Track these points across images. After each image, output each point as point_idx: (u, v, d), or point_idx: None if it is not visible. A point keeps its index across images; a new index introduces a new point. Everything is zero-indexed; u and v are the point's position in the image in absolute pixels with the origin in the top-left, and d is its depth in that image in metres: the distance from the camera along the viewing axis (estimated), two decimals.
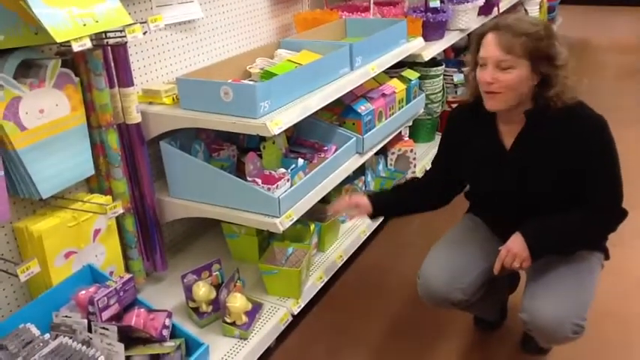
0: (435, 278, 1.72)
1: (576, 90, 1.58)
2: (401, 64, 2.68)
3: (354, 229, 2.44)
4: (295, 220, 1.90)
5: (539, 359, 1.94)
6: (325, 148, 2.23)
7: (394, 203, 1.92)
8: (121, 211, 1.75)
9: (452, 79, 3.26)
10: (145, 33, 1.80)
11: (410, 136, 2.93)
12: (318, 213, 2.23)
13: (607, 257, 1.77)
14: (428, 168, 2.12)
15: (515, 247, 1.58)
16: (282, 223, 1.84)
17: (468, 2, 3.18)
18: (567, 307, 1.56)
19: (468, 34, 3.39)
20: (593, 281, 1.66)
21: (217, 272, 1.94)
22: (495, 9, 3.70)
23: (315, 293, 2.12)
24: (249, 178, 1.91)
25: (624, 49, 5.83)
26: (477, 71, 1.61)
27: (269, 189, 1.85)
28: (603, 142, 1.59)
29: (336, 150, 2.21)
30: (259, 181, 1.89)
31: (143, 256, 1.98)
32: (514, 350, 1.98)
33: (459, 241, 1.82)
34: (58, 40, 1.42)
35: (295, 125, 2.03)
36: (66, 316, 1.53)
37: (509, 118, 1.66)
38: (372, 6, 2.83)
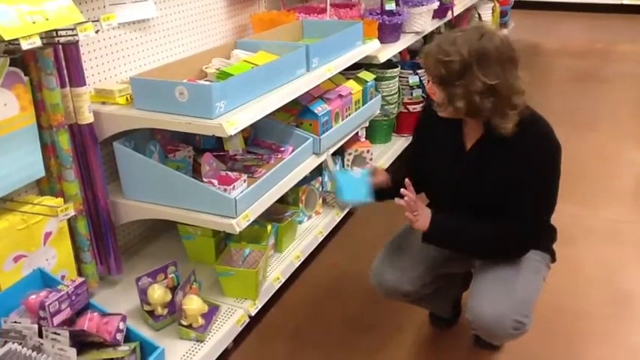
0: (385, 271, 1.82)
1: (521, 104, 1.57)
2: (357, 66, 2.71)
3: (312, 229, 2.45)
4: (252, 220, 1.90)
5: (492, 354, 1.99)
6: (282, 148, 2.23)
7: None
8: (72, 213, 1.71)
9: (407, 81, 3.30)
10: (97, 32, 1.77)
11: (367, 137, 2.95)
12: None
13: (554, 259, 1.82)
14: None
15: (422, 218, 1.66)
16: (238, 224, 1.83)
17: (422, 5, 3.23)
18: (507, 304, 1.62)
19: (424, 37, 3.45)
20: (537, 281, 1.72)
21: (173, 274, 1.92)
22: (450, 12, 3.77)
23: (272, 294, 2.12)
24: (205, 179, 1.90)
25: (575, 54, 6.02)
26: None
27: (225, 190, 1.84)
28: (544, 158, 1.61)
29: (293, 151, 2.21)
30: (215, 181, 1.88)
31: (96, 260, 1.94)
32: (468, 346, 2.02)
33: (410, 238, 1.86)
34: (6, 38, 1.38)
35: (252, 126, 2.03)
36: (15, 322, 1.49)
37: (470, 124, 1.69)
38: (328, 8, 2.85)
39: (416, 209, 1.66)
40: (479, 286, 1.71)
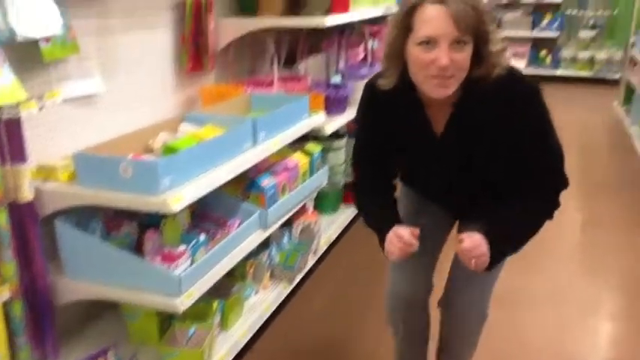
0: (399, 281, 1.82)
1: (504, 60, 1.49)
2: (305, 138, 2.76)
3: (260, 304, 2.42)
4: (197, 298, 1.86)
5: None
6: (229, 222, 2.22)
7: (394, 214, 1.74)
8: (7, 296, 1.65)
9: None
10: (41, 108, 1.76)
11: (315, 208, 2.98)
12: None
13: None
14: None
15: (480, 252, 1.49)
16: (182, 303, 1.79)
17: (365, 78, 3.34)
18: (481, 298, 1.78)
19: None
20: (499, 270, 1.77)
21: (113, 358, 1.85)
22: None
23: None
24: (147, 257, 1.86)
25: None
26: (417, 51, 1.42)
27: (168, 267, 1.81)
28: (535, 111, 1.51)
29: (240, 224, 2.21)
30: (158, 259, 1.85)
31: (32, 344, 1.85)
32: None
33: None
34: None
35: (199, 199, 2.02)
36: None
37: (437, 103, 1.52)
38: (275, 81, 2.92)
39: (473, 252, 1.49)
40: (459, 282, 1.79)
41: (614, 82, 7.14)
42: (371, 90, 1.65)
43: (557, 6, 7.96)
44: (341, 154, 3.22)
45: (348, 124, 3.23)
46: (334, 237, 3.11)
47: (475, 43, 1.42)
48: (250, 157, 2.18)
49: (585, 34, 7.96)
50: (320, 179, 2.79)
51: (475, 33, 1.40)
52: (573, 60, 7.86)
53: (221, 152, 2.06)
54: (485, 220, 1.55)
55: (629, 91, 5.95)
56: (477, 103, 1.49)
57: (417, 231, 1.56)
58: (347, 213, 3.30)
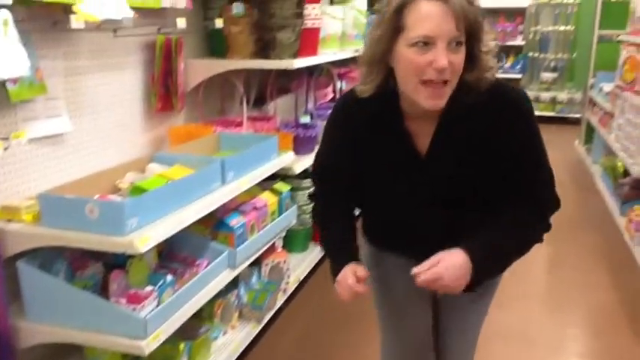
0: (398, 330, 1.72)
1: (494, 62, 1.36)
2: (274, 176, 2.78)
3: (228, 344, 2.39)
4: (163, 340, 1.84)
5: None
6: (197, 262, 2.21)
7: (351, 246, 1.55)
8: None
9: None
10: (6, 148, 1.75)
11: (284, 247, 2.99)
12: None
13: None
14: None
15: (452, 275, 1.30)
16: (148, 345, 1.76)
17: None
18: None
19: None
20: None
21: None
22: None
23: None
24: (113, 298, 1.84)
25: None
26: (411, 53, 1.26)
27: (134, 309, 1.79)
28: (528, 120, 1.38)
29: (208, 264, 2.20)
30: (124, 300, 1.82)
31: None
32: None
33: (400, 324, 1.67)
34: None
35: (167, 239, 2.01)
36: None
37: (421, 114, 1.36)
38: (245, 121, 2.95)
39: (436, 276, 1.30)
40: (450, 342, 1.66)
41: (576, 122, 7.37)
42: (344, 100, 1.50)
43: (519, 48, 8.25)
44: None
45: None
46: (303, 275, 3.11)
47: (468, 43, 1.28)
48: (219, 196, 2.19)
49: (547, 75, 8.26)
50: (289, 218, 2.80)
51: (469, 31, 1.27)
52: (536, 100, 8.11)
53: (189, 192, 2.06)
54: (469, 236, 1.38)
55: (590, 131, 6.15)
56: (466, 113, 1.33)
57: (362, 273, 1.42)
58: (316, 251, 3.30)
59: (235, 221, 2.36)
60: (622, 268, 3.56)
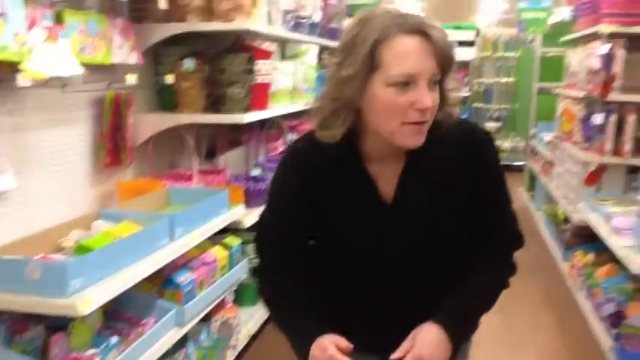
0: None
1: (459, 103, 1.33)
2: (224, 231, 2.78)
3: None
4: None
5: None
6: (143, 321, 2.16)
7: (314, 315, 1.34)
8: None
9: None
10: None
11: (234, 301, 2.96)
12: None
13: None
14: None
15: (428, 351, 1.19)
16: None
17: None
18: None
19: None
20: None
21: None
22: None
23: None
24: None
25: None
26: (390, 94, 1.17)
27: None
28: (495, 157, 1.34)
29: (155, 323, 2.16)
30: None
31: None
32: None
33: None
34: None
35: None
36: None
37: (386, 154, 1.27)
38: (195, 175, 2.95)
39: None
40: None
41: (520, 169, 7.64)
42: (297, 147, 1.37)
43: (465, 99, 8.56)
44: None
45: None
46: (254, 330, 3.07)
47: (441, 80, 1.22)
48: (167, 253, 2.17)
49: (491, 125, 8.58)
50: (239, 273, 2.79)
51: (443, 68, 1.20)
52: None
53: (136, 250, 2.04)
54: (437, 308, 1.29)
55: (533, 178, 6.39)
56: (436, 150, 1.25)
57: (346, 344, 1.22)
58: None
59: (183, 278, 2.33)
60: (567, 312, 3.66)
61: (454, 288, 1.32)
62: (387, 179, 1.28)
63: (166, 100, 2.94)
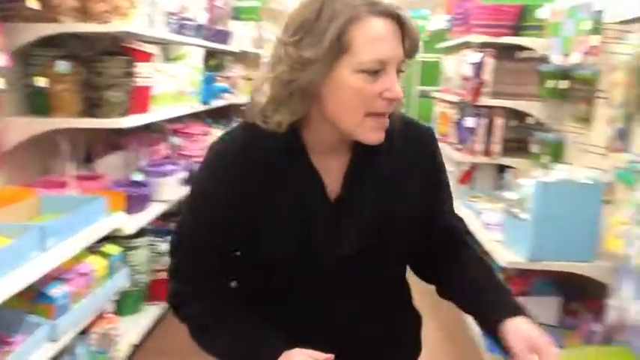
0: None
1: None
2: (105, 239, 2.68)
3: None
4: None
5: None
6: (11, 340, 2.05)
7: (266, 327, 1.18)
8: None
9: (157, 248, 3.33)
10: None
11: (115, 310, 2.86)
12: None
13: None
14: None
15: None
16: None
17: (168, 176, 3.36)
18: None
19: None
20: None
21: None
22: None
23: None
24: None
25: None
26: (360, 81, 1.06)
27: None
28: (438, 150, 1.30)
29: (24, 340, 2.05)
30: None
31: None
32: None
33: None
34: None
35: None
36: None
37: (331, 147, 1.16)
38: (70, 181, 2.82)
39: None
40: None
41: None
42: (220, 150, 1.20)
43: None
44: (142, 252, 3.16)
45: (152, 222, 3.21)
46: (137, 340, 2.99)
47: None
48: (38, 266, 2.07)
49: None
50: (119, 282, 2.71)
51: (409, 56, 1.11)
52: None
53: (2, 265, 1.93)
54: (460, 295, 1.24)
55: None
56: (381, 146, 1.13)
57: (324, 357, 1.08)
58: (151, 312, 3.20)
59: (56, 290, 2.23)
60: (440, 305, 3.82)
61: (393, 297, 1.27)
62: (331, 175, 1.16)
63: (38, 103, 2.79)
